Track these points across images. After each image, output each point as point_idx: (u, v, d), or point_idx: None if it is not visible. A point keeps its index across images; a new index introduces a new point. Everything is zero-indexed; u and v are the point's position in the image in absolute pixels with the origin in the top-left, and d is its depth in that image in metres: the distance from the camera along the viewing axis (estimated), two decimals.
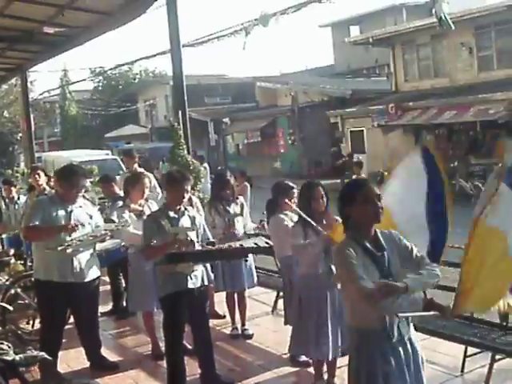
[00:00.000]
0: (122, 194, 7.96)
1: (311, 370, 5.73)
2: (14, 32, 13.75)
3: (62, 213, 5.95)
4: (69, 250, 5.82)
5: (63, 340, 6.21)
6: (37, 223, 5.87)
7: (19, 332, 7.17)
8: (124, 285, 8.24)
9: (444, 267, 5.42)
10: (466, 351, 5.60)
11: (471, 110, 20.87)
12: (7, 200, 10.42)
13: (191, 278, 5.47)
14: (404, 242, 3.72)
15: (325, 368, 5.54)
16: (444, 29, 13.65)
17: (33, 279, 6.52)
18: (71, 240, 5.85)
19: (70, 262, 5.91)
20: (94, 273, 6.18)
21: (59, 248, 5.74)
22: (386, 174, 21.80)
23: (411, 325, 3.70)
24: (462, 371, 5.62)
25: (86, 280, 6.07)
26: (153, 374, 6.21)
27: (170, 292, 5.43)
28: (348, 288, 3.64)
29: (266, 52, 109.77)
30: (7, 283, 7.56)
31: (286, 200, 5.95)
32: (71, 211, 6.00)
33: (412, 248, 3.71)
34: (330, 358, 5.30)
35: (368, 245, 3.61)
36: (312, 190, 5.37)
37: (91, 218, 6.20)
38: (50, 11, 12.13)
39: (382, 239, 3.66)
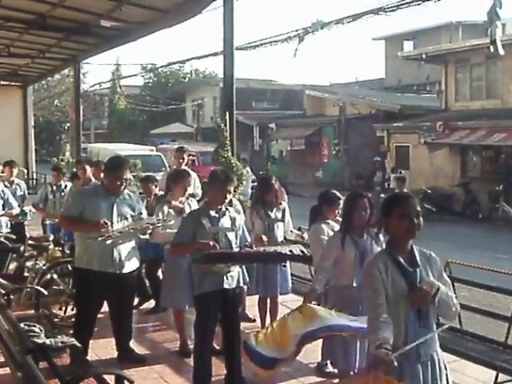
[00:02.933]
0: (160, 193, 8.04)
1: (337, 381, 5.67)
2: (72, 23, 14.03)
3: (105, 204, 6.03)
4: (108, 241, 5.87)
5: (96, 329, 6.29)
6: (74, 214, 6.01)
7: (51, 317, 7.27)
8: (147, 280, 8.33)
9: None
10: (496, 377, 5.48)
11: None
12: (54, 187, 10.55)
13: (227, 279, 5.47)
14: (443, 273, 3.72)
15: None
16: (493, 52, 13.52)
17: (70, 267, 6.61)
18: (112, 231, 5.91)
19: (110, 252, 5.98)
20: (133, 264, 6.25)
21: (99, 239, 5.81)
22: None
23: (435, 345, 3.63)
24: None
25: (125, 271, 6.14)
26: (179, 370, 6.23)
27: (206, 291, 5.43)
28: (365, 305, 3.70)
29: (317, 61, 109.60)
30: (44, 268, 7.68)
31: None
32: (114, 203, 6.07)
33: (449, 285, 3.69)
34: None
35: (401, 259, 3.60)
36: (356, 201, 5.33)
37: (134, 210, 6.26)
38: (108, 5, 12.34)
39: (417, 255, 3.64)
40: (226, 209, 5.64)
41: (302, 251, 6.12)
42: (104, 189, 6.20)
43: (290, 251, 6.08)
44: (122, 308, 6.34)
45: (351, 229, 5.25)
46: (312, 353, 5.86)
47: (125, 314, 6.41)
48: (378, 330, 3.38)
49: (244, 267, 5.78)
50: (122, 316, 6.38)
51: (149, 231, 6.34)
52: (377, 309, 3.48)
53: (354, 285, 5.23)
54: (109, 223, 5.91)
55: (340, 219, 5.64)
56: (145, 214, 6.46)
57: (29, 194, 11.78)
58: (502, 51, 13.16)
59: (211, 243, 5.32)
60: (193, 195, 8.22)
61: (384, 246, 3.89)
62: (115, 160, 6.48)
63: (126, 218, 6.13)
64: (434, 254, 3.74)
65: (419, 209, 3.64)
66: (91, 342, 6.27)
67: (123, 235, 6.01)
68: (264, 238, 6.56)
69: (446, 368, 3.70)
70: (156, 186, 8.53)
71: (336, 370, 5.72)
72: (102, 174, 7.58)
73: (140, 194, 10.08)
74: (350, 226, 5.27)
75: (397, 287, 3.52)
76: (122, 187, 6.13)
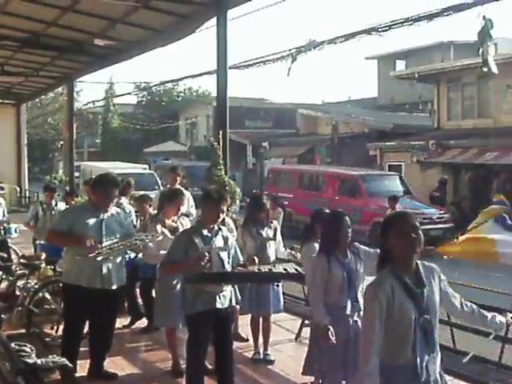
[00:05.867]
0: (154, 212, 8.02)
1: None
2: (65, 42, 14.09)
3: (93, 220, 6.07)
4: (99, 258, 5.90)
5: (83, 349, 6.24)
6: (63, 228, 6.05)
7: (43, 336, 7.21)
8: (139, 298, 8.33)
9: None
10: None
11: None
12: (45, 206, 10.54)
13: (220, 298, 5.45)
14: (445, 284, 3.69)
15: None
16: (486, 71, 13.57)
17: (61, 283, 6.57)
18: (101, 248, 5.94)
19: (99, 268, 6.00)
20: (120, 281, 6.28)
21: (90, 255, 5.83)
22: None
23: (438, 365, 3.62)
24: None
25: (113, 287, 6.16)
26: None
27: (198, 310, 5.41)
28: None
29: (310, 80, 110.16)
30: (36, 286, 7.63)
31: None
32: (103, 219, 6.11)
33: (455, 295, 3.73)
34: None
35: (407, 280, 3.51)
36: (339, 220, 5.32)
37: (122, 227, 6.30)
38: (102, 24, 12.40)
39: (422, 273, 3.57)
40: (219, 228, 5.63)
41: (297, 269, 6.12)
42: (92, 205, 6.24)
43: (285, 269, 6.07)
44: (107, 324, 6.33)
45: (336, 249, 5.23)
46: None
47: (109, 330, 6.40)
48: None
49: (236, 286, 5.76)
50: (106, 332, 6.36)
51: (138, 247, 6.35)
52: (371, 346, 3.44)
53: (343, 305, 5.21)
54: (96, 241, 5.94)
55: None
56: (132, 231, 6.50)
57: (21, 211, 11.78)
58: (495, 70, 13.23)
59: (200, 256, 5.28)
60: (186, 215, 8.20)
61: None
62: (103, 177, 6.53)
63: (115, 235, 6.16)
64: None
65: (417, 224, 3.57)
66: (82, 361, 6.22)
67: (113, 252, 6.04)
68: (256, 259, 6.54)
69: None
70: (150, 206, 8.51)
71: None
72: None
73: (136, 212, 10.10)
74: (335, 246, 5.24)
75: (403, 309, 3.45)
76: (110, 204, 6.20)
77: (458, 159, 22.72)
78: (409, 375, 3.47)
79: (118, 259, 6.24)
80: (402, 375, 3.48)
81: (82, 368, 6.21)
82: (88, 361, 6.33)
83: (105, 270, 6.04)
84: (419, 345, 3.47)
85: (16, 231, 10.90)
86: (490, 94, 24.46)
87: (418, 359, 3.46)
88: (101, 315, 6.22)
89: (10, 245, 10.81)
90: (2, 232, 10.78)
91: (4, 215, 10.96)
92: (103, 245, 5.99)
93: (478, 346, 6.24)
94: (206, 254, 5.35)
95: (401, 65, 38.43)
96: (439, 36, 72.41)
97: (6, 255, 9.25)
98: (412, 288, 3.50)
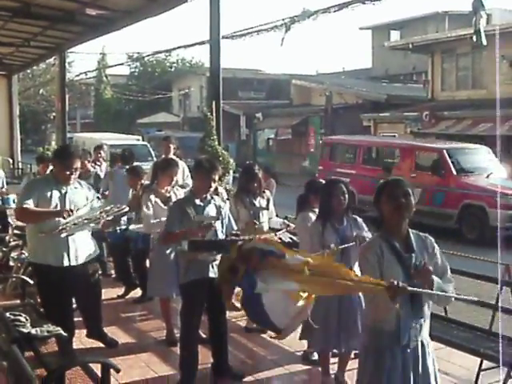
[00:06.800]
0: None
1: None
2: (57, 12, 13.93)
3: (56, 194, 5.78)
4: (63, 234, 5.65)
5: (78, 318, 6.26)
6: (29, 205, 5.68)
7: (37, 306, 7.23)
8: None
9: None
10: (481, 364, 5.50)
11: (507, 123, 20.60)
12: (38, 177, 10.48)
13: (213, 267, 5.46)
14: (438, 255, 3.73)
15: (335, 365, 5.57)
16: (476, 42, 13.52)
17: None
18: (66, 223, 5.66)
19: (66, 245, 5.75)
20: (90, 253, 6.02)
21: (54, 232, 5.58)
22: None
23: (425, 331, 3.69)
24: None
25: (83, 262, 5.92)
26: (165, 359, 6.24)
27: (191, 279, 5.43)
28: None
29: (304, 50, 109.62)
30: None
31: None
32: (66, 192, 5.84)
33: (445, 268, 3.76)
34: (336, 351, 5.45)
35: (396, 244, 3.63)
36: (333, 187, 5.36)
37: (87, 199, 6.03)
38: None
39: (413, 240, 3.66)
40: (212, 197, 5.63)
41: (291, 238, 6.14)
42: (54, 178, 5.94)
43: (280, 239, 6.09)
44: (91, 297, 6.22)
45: (331, 215, 5.29)
46: (298, 341, 5.88)
47: (94, 301, 6.30)
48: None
49: None
50: (92, 304, 6.28)
51: (103, 220, 6.01)
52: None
53: None
54: (74, 208, 5.69)
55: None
56: (97, 204, 6.25)
57: (14, 183, 11.75)
58: (485, 41, 13.20)
59: (204, 227, 5.30)
60: (182, 186, 8.17)
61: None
62: (64, 149, 6.29)
63: (79, 208, 5.86)
64: None
65: (408, 189, 3.65)
66: (77, 331, 6.25)
67: (78, 226, 5.75)
68: (256, 222, 6.54)
69: (432, 357, 3.74)
70: (140, 178, 8.37)
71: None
72: None
73: None
74: (329, 212, 5.31)
75: (391, 272, 3.55)
76: (72, 177, 5.86)
77: (451, 130, 22.74)
78: (392, 338, 3.57)
79: (85, 233, 5.97)
80: (386, 338, 3.59)
81: (80, 340, 6.27)
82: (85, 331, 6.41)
83: (72, 246, 5.77)
84: (404, 309, 3.55)
85: (14, 201, 10.88)
86: (484, 64, 24.40)
87: (402, 322, 3.55)
88: (81, 290, 6.05)
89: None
90: (0, 202, 10.79)
91: (3, 186, 10.94)
92: (67, 220, 5.67)
93: (469, 315, 6.33)
94: (213, 224, 5.37)
95: (395, 35, 38.27)
96: (434, 6, 71.95)
97: (0, 226, 9.23)
98: (400, 252, 3.61)
